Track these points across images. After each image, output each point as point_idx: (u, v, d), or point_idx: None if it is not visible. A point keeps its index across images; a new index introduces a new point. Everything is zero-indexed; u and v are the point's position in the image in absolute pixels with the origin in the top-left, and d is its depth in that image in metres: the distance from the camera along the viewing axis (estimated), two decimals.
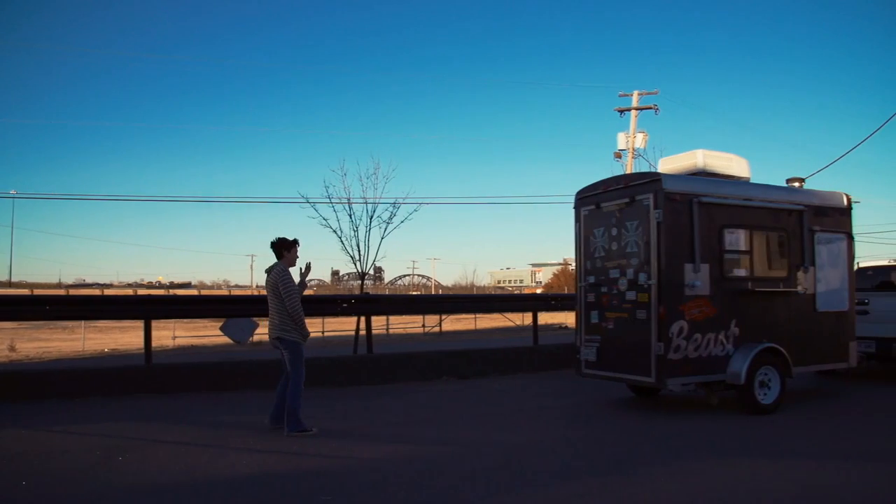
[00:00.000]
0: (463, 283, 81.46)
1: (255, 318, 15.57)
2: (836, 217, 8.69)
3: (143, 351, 9.87)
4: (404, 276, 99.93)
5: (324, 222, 12.81)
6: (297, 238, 6.95)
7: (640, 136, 24.83)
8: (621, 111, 25.48)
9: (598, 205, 8.32)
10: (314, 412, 7.33)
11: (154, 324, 9.93)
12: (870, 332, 9.94)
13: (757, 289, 7.81)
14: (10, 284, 64.09)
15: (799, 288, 8.18)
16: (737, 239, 7.83)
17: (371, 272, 14.75)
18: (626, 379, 7.82)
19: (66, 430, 6.69)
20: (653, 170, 23.95)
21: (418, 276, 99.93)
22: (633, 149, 24.86)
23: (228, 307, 13.23)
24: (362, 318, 11.61)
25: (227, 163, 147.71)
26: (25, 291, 45.56)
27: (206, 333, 21.69)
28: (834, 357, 8.51)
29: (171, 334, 20.78)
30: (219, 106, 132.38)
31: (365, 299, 11.73)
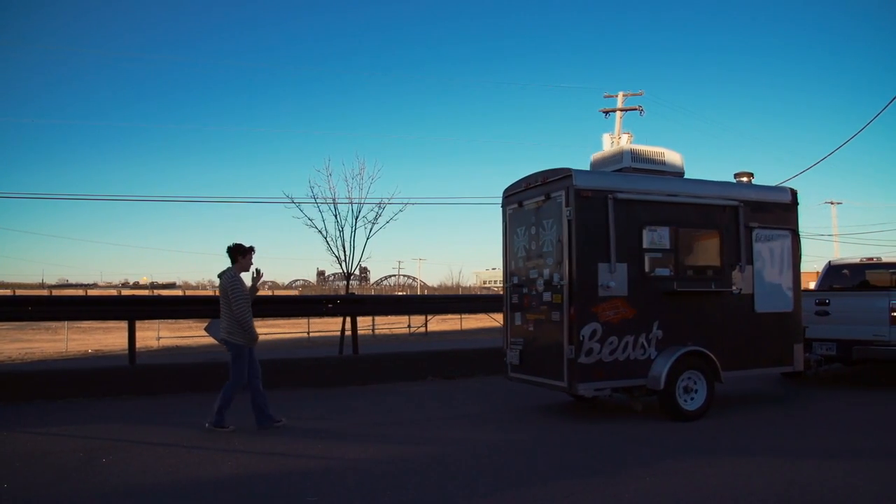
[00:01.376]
0: (449, 283, 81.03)
1: None
2: (779, 213, 8.22)
3: (126, 352, 9.89)
4: (390, 276, 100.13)
5: (309, 222, 12.75)
6: (253, 246, 7.05)
7: (625, 138, 24.61)
8: (606, 112, 25.24)
9: (520, 203, 8.03)
10: (300, 413, 7.51)
11: (138, 324, 9.95)
12: (830, 334, 9.45)
13: (683, 289, 7.41)
14: None
15: (734, 288, 7.76)
16: (660, 237, 7.44)
17: (356, 272, 14.62)
18: (544, 383, 7.50)
19: (48, 431, 6.67)
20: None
21: (404, 276, 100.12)
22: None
23: (213, 307, 13.02)
24: (348, 319, 11.59)
25: (212, 163, 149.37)
26: (7, 292, 45.36)
27: (191, 334, 21.76)
28: (776, 360, 8.06)
29: (156, 335, 20.77)
30: (204, 106, 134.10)
31: (350, 300, 11.66)
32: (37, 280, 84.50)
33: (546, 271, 7.44)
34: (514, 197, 8.14)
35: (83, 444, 6.16)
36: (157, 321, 20.33)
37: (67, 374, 9.51)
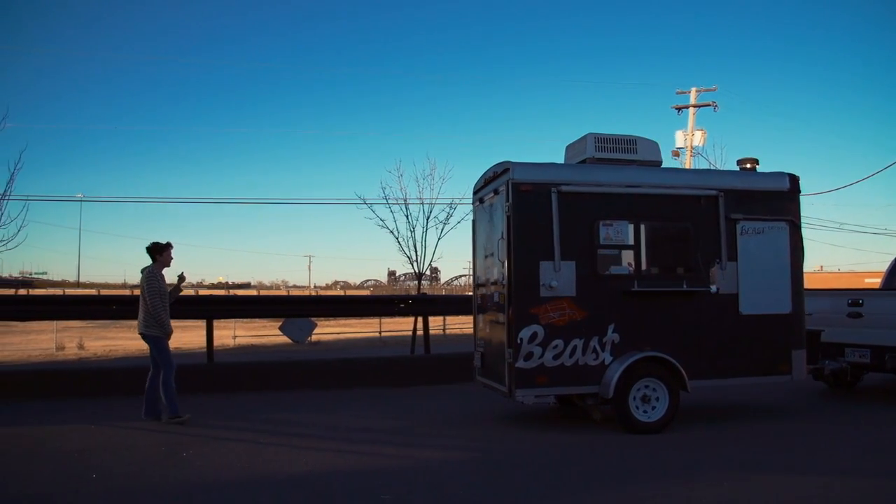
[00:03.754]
0: None
1: (312, 318, 16.05)
2: (774, 203, 7.28)
3: (204, 350, 10.34)
4: (460, 276, 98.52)
5: (381, 223, 13.11)
6: (169, 242, 7.42)
7: (698, 134, 23.85)
8: (679, 109, 24.63)
9: (481, 200, 7.73)
10: (371, 412, 7.61)
11: (215, 323, 10.37)
12: (864, 339, 8.28)
13: (645, 289, 6.77)
14: (78, 285, 67.57)
15: (712, 287, 6.98)
16: (617, 232, 6.86)
17: (427, 272, 14.80)
18: (496, 388, 7.12)
19: (132, 426, 6.99)
20: (713, 168, 22.27)
21: None
22: (692, 147, 23.82)
23: (287, 307, 13.63)
24: (419, 319, 11.68)
25: (286, 165, 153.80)
26: (93, 291, 48.46)
27: (266, 333, 22.64)
28: (768, 368, 7.14)
29: (232, 334, 21.70)
30: (279, 110, 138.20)
31: (422, 300, 11.75)
32: (119, 280, 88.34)
33: (495, 270, 7.09)
34: (478, 193, 7.83)
35: (165, 438, 6.45)
36: (233, 320, 20.88)
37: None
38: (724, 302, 7.01)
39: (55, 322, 17.76)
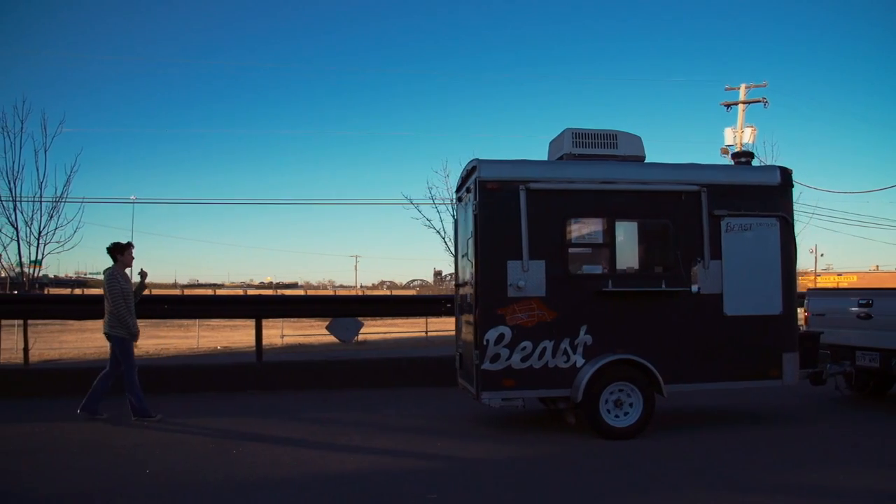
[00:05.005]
0: None
1: (359, 318, 16.19)
2: (763, 198, 6.90)
3: (253, 349, 10.56)
4: None
5: (427, 223, 13.22)
6: (130, 241, 7.53)
7: (748, 131, 23.40)
8: (728, 105, 24.19)
9: (460, 198, 7.62)
10: (418, 411, 7.67)
11: (263, 322, 10.61)
12: (873, 342, 7.79)
13: (619, 289, 6.53)
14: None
15: (693, 287, 6.67)
16: (589, 230, 6.65)
17: None
18: (468, 390, 7.00)
19: (183, 422, 7.16)
20: (764, 165, 21.44)
21: None
22: (741, 144, 23.02)
23: (334, 307, 13.55)
24: None
25: (332, 166, 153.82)
26: (145, 291, 49.91)
27: (313, 332, 22.91)
28: (756, 372, 6.78)
29: (280, 333, 22.13)
30: (324, 109, 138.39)
31: None
32: (170, 280, 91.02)
33: (469, 271, 6.96)
34: (458, 192, 7.73)
35: (215, 435, 6.60)
36: (280, 319, 20.93)
37: (200, 370, 10.09)
38: (707, 302, 6.69)
39: None
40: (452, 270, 14.39)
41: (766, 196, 6.91)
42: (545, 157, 7.49)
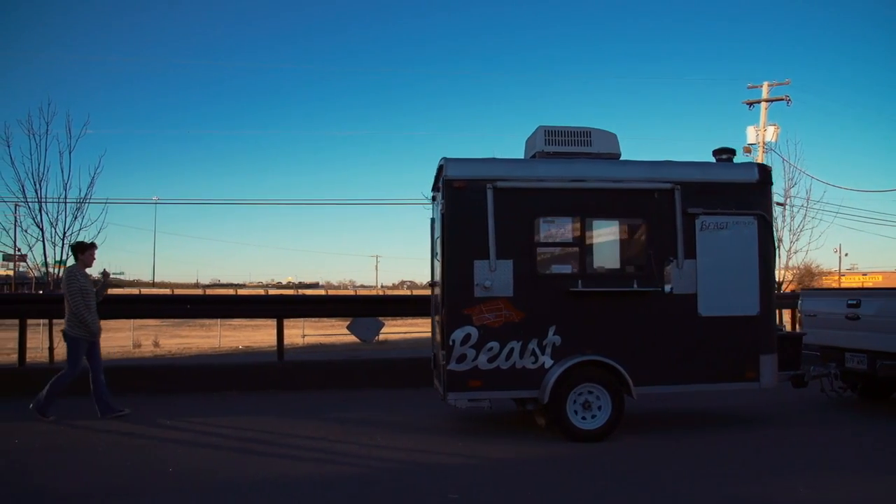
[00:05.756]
0: None
1: (380, 318, 16.17)
2: (740, 196, 6.74)
3: (274, 348, 10.60)
4: None
5: None
6: (93, 242, 7.58)
7: (770, 130, 23.09)
8: (750, 104, 24.19)
9: (434, 197, 7.56)
10: (439, 410, 7.53)
11: (285, 322, 10.65)
12: (861, 343, 7.58)
13: (589, 289, 6.42)
14: (153, 284, 71.51)
15: (666, 287, 6.54)
16: (559, 229, 6.54)
17: None
18: (439, 390, 6.93)
19: (205, 421, 7.18)
20: (787, 165, 21.04)
21: None
22: (764, 143, 22.70)
23: (355, 307, 13.49)
24: None
25: (354, 166, 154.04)
26: (167, 291, 50.77)
27: (334, 332, 22.91)
28: (732, 374, 6.62)
29: (301, 332, 22.12)
30: (347, 110, 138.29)
31: None
32: (192, 280, 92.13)
33: (437, 271, 6.90)
34: (434, 191, 7.67)
35: (238, 434, 6.66)
36: (301, 319, 20.89)
37: (222, 369, 10.08)
38: (681, 303, 6.55)
39: (132, 320, 18.82)
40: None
41: (743, 194, 6.75)
42: None
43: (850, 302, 7.77)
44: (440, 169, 6.66)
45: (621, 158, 7.02)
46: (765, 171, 6.84)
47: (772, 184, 6.89)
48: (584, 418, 6.30)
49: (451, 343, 6.28)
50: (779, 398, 8.13)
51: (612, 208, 6.59)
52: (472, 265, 6.34)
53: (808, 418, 7.48)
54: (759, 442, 6.35)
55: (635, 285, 6.51)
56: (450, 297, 6.36)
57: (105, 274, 7.80)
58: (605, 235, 6.65)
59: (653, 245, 6.55)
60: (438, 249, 6.68)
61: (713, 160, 7.12)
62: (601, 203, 6.56)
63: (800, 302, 8.96)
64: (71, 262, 7.57)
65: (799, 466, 5.57)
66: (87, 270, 7.39)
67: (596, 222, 6.57)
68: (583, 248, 6.50)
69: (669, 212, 6.58)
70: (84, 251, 7.38)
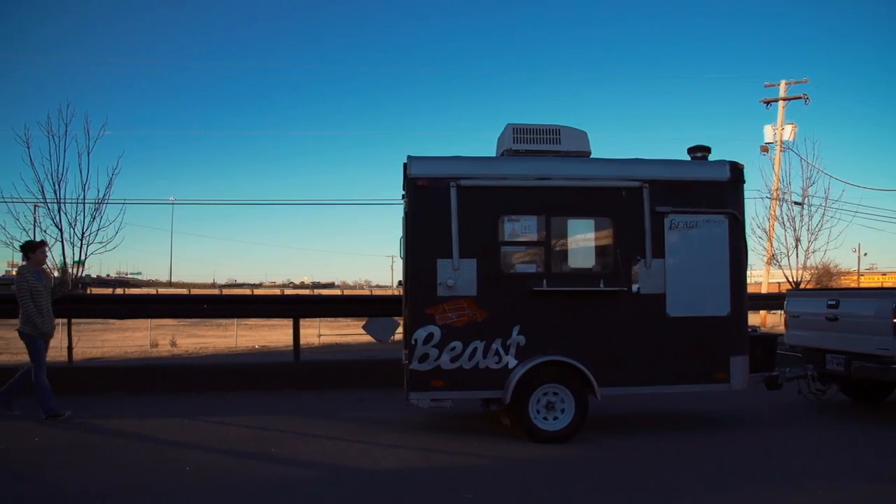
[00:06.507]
0: None
1: (396, 318, 16.07)
2: (711, 194, 6.62)
3: (290, 348, 10.64)
4: None
5: None
6: (43, 241, 7.64)
7: (788, 128, 22.95)
8: (767, 102, 24.22)
9: (403, 196, 7.48)
10: (457, 411, 7.40)
11: (301, 322, 10.63)
12: (839, 345, 7.43)
13: (554, 288, 6.34)
14: (170, 284, 70.80)
15: (634, 286, 6.45)
16: (525, 227, 6.46)
17: None
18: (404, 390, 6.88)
19: (222, 421, 7.18)
20: (805, 164, 20.73)
21: None
22: (781, 141, 22.45)
23: (370, 307, 13.35)
24: None
25: (369, 165, 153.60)
26: (184, 291, 50.76)
27: (349, 332, 22.79)
28: (701, 375, 6.51)
29: (317, 332, 21.92)
30: (362, 110, 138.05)
31: None
32: (209, 280, 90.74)
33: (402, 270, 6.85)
34: (403, 190, 7.60)
35: (254, 433, 6.68)
36: (317, 319, 20.57)
37: (238, 369, 10.12)
38: (648, 303, 6.45)
39: (149, 320, 18.87)
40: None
41: (714, 192, 6.63)
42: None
43: (829, 303, 7.62)
44: (405, 167, 6.61)
45: (591, 157, 6.93)
46: (736, 170, 6.71)
47: (744, 182, 6.77)
48: (546, 419, 6.22)
49: (413, 342, 6.24)
50: (779, 400, 7.97)
51: (578, 207, 6.51)
52: (436, 264, 6.29)
53: (794, 420, 7.34)
54: (761, 445, 6.24)
55: (602, 285, 6.42)
56: (412, 297, 6.31)
57: (63, 271, 7.81)
58: (572, 234, 6.56)
59: (620, 244, 6.46)
60: (402, 248, 6.64)
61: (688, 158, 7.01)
62: (567, 201, 6.48)
63: (786, 303, 8.81)
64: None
65: (794, 470, 5.46)
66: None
67: (562, 221, 6.49)
68: (548, 247, 6.43)
69: (637, 210, 6.49)
70: (34, 250, 7.35)
